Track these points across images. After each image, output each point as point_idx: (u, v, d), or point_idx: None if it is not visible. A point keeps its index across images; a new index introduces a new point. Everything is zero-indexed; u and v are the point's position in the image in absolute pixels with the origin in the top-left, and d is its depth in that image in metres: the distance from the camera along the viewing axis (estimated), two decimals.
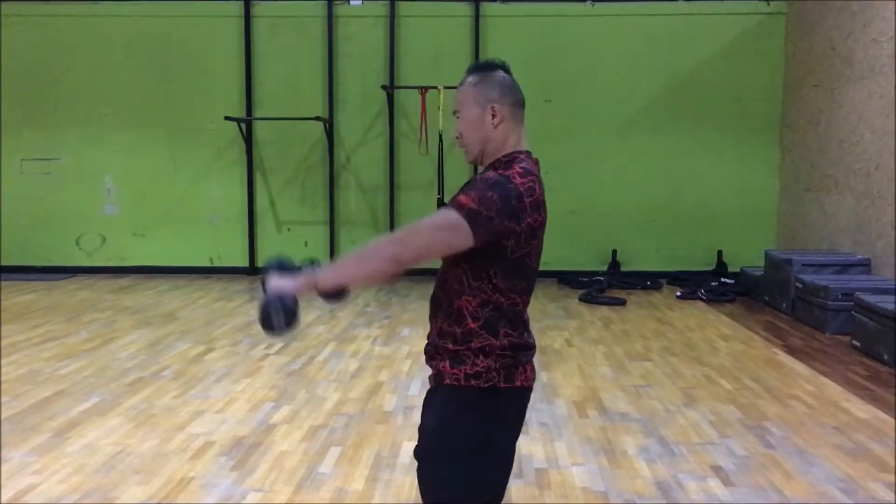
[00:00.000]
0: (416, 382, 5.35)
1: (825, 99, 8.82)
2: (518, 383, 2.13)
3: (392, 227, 10.16)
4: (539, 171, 2.19)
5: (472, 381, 2.09)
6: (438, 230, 2.03)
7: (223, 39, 10.16)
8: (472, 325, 2.09)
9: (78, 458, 4.08)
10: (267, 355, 6.24)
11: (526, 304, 2.19)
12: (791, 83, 9.76)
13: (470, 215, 1.99)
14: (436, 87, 9.41)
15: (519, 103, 2.21)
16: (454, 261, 2.11)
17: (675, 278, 9.72)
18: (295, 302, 2.06)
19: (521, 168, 2.12)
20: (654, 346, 6.64)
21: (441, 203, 9.20)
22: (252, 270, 10.30)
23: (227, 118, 9.82)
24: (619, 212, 10.12)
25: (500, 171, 2.10)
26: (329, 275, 2.07)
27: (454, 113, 2.23)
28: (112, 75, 10.22)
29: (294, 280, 2.06)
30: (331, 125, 10.08)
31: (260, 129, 10.26)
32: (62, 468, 3.94)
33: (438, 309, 2.18)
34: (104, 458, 4.08)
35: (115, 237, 10.43)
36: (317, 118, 9.86)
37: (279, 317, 2.06)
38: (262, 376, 5.65)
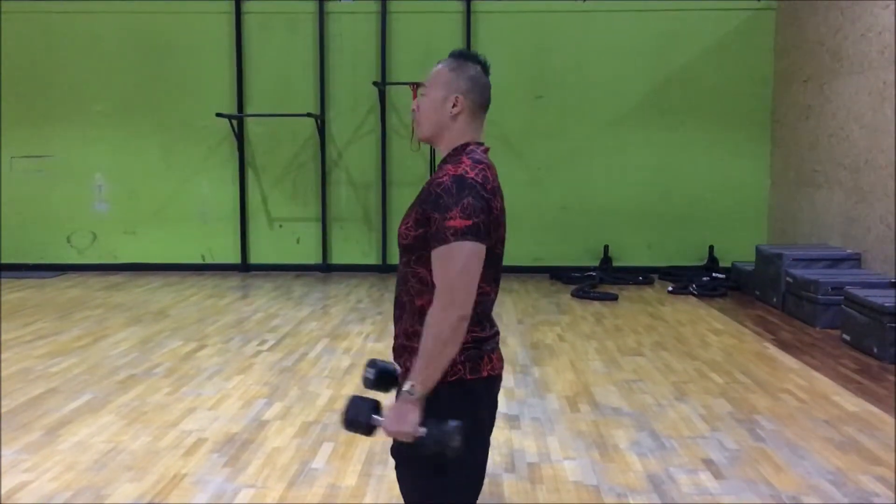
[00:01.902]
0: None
1: (815, 94, 8.85)
2: (485, 373, 2.14)
3: (384, 224, 10.16)
4: (489, 162, 2.19)
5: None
6: (468, 267, 2.01)
7: (214, 36, 10.14)
8: None
9: (70, 455, 4.08)
10: (259, 352, 6.24)
11: (495, 293, 2.20)
12: (781, 78, 9.79)
13: (474, 232, 2.00)
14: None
15: (483, 104, 2.22)
16: (416, 260, 2.11)
17: (667, 273, 9.75)
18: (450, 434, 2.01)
19: (469, 159, 2.11)
20: (645, 341, 6.66)
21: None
22: (244, 267, 10.29)
23: (218, 115, 9.80)
24: (610, 207, 10.14)
25: (451, 171, 2.07)
26: (428, 381, 2.02)
27: (421, 86, 2.23)
28: (103, 73, 10.18)
29: (406, 411, 2.02)
30: (322, 122, 10.07)
31: (251, 126, 10.25)
32: (54, 466, 3.94)
33: (402, 311, 2.19)
34: (96, 456, 4.08)
35: (106, 234, 10.39)
36: (308, 115, 9.85)
37: (450, 443, 2.00)
38: (254, 373, 5.65)
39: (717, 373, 5.69)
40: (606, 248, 10.11)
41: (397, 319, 2.22)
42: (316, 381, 5.43)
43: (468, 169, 2.08)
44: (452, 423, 2.00)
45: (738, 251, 9.69)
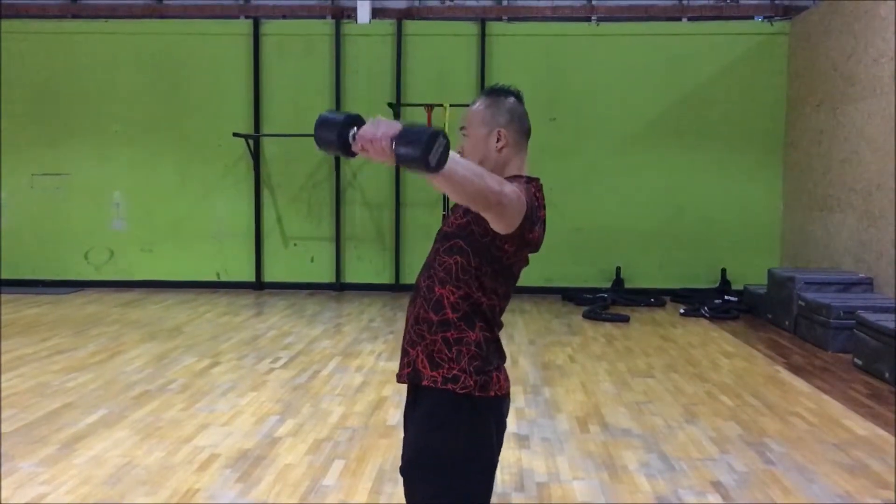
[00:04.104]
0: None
1: (827, 118, 8.89)
2: (492, 393, 2.18)
3: (398, 244, 10.24)
4: (542, 194, 2.27)
5: (450, 385, 2.14)
6: (518, 195, 2.01)
7: (232, 57, 10.29)
8: (451, 316, 2.15)
9: (85, 469, 4.14)
10: (272, 369, 6.30)
11: (503, 309, 2.26)
12: (793, 102, 9.83)
13: (527, 201, 2.07)
14: (441, 105, 9.51)
15: (525, 132, 2.30)
16: (447, 250, 2.18)
17: (679, 295, 9.76)
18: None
19: (528, 183, 2.21)
20: (656, 363, 6.68)
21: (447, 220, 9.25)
22: (258, 285, 10.37)
23: (235, 135, 9.93)
24: (623, 229, 10.19)
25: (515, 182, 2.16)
26: (450, 163, 1.82)
27: (461, 129, 2.31)
28: (122, 92, 10.35)
29: (395, 124, 1.80)
30: None
31: (267, 146, 10.37)
32: (70, 479, 4.00)
33: (418, 294, 2.24)
34: (111, 470, 4.14)
35: (122, 252, 10.52)
36: None
37: (420, 134, 1.76)
38: (267, 390, 5.71)
39: (727, 395, 5.71)
40: (619, 269, 10.14)
41: (411, 302, 2.28)
42: (328, 399, 5.47)
43: (530, 188, 2.18)
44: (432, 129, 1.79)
45: (750, 274, 9.69)
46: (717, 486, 4.03)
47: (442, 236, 2.23)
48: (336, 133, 1.84)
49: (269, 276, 10.46)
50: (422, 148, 1.75)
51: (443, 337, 2.15)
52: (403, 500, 3.76)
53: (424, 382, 2.16)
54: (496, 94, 2.30)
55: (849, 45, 8.42)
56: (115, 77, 10.34)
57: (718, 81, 10.06)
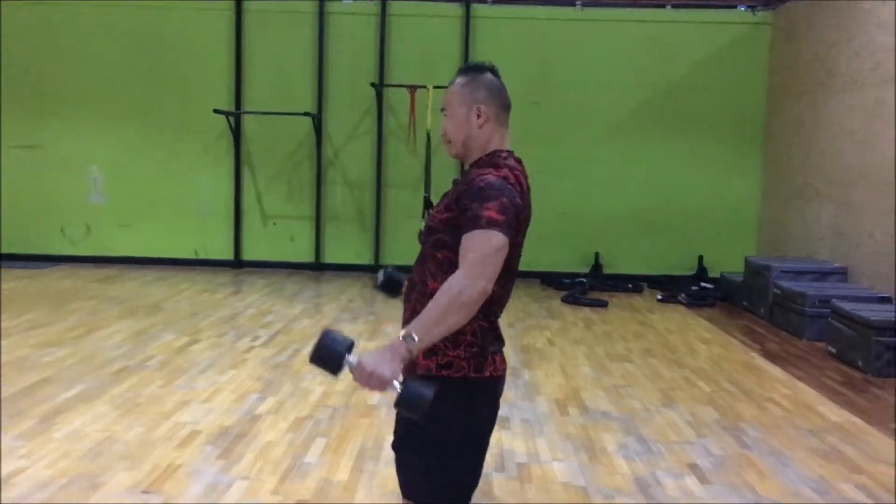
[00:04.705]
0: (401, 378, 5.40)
1: (808, 109, 8.96)
2: (487, 373, 2.20)
3: (378, 225, 10.22)
4: (524, 170, 2.28)
5: (444, 371, 2.16)
6: (498, 252, 2.07)
7: (214, 33, 10.18)
8: None
9: (64, 443, 4.12)
10: (252, 347, 6.28)
11: (502, 296, 2.25)
12: (775, 92, 9.91)
13: (504, 227, 2.08)
14: (425, 87, 9.48)
15: (504, 107, 2.31)
16: (434, 244, 2.19)
17: (657, 282, 9.84)
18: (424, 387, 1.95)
19: (506, 166, 2.21)
20: (634, 348, 6.74)
21: (428, 202, 9.26)
22: (237, 263, 10.32)
23: (216, 111, 9.84)
24: (602, 215, 10.23)
25: (495, 173, 2.16)
26: (430, 338, 1.98)
27: (442, 110, 2.32)
28: (102, 66, 10.20)
29: (391, 357, 1.95)
30: (319, 121, 10.12)
31: (248, 124, 10.29)
32: (49, 453, 3.98)
33: (413, 288, 2.26)
34: (91, 445, 4.12)
35: (100, 227, 10.41)
36: (306, 114, 9.90)
37: (421, 405, 1.92)
38: (247, 368, 5.70)
39: (704, 381, 5.78)
40: (597, 254, 10.20)
41: (406, 297, 2.29)
42: (308, 378, 5.47)
43: (510, 174, 2.18)
44: (429, 387, 1.94)
45: (726, 262, 9.79)
46: (693, 468, 4.09)
47: (428, 231, 2.24)
48: (336, 366, 1.99)
49: (247, 255, 10.41)
50: (424, 411, 1.93)
51: None
52: (385, 479, 3.81)
53: (419, 371, 2.17)
54: (472, 71, 2.31)
55: (831, 36, 8.49)
56: (95, 50, 10.19)
57: (701, 69, 10.10)
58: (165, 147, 10.30)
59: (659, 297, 9.10)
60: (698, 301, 8.87)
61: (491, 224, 2.06)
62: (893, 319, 6.12)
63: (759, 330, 7.67)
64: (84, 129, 10.28)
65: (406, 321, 2.26)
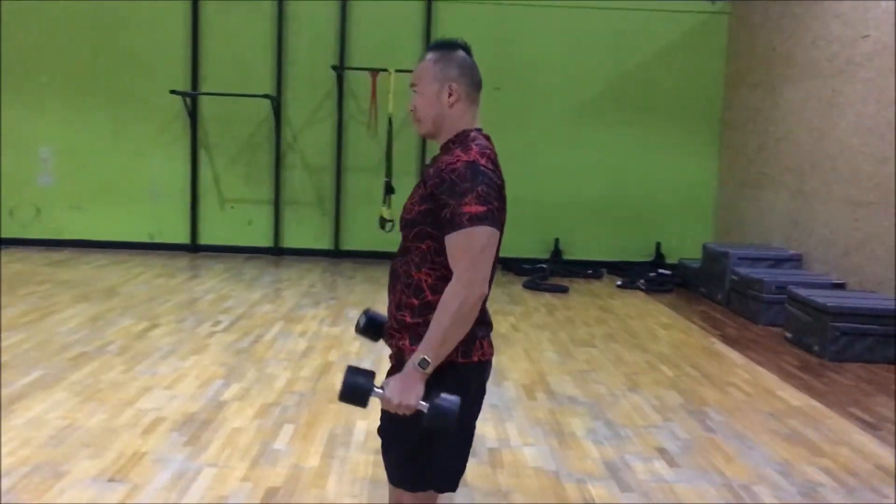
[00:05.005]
0: (366, 363, 5.36)
1: (764, 98, 9.10)
2: (475, 358, 2.18)
3: (338, 209, 10.13)
4: (493, 147, 2.25)
5: None
6: (486, 249, 2.07)
7: (170, 11, 9.93)
8: (431, 298, 2.14)
9: (24, 431, 4.01)
10: (213, 333, 6.18)
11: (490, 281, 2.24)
12: (732, 81, 10.04)
13: (489, 218, 2.06)
14: (386, 70, 9.40)
15: (476, 85, 2.27)
16: (416, 236, 2.16)
17: (616, 268, 9.93)
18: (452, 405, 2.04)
19: (476, 146, 2.17)
20: (597, 333, 6.80)
21: (389, 186, 9.21)
22: (193, 248, 10.15)
23: (172, 92, 9.64)
24: (561, 201, 10.28)
25: (463, 157, 2.11)
26: (442, 356, 2.06)
27: (412, 86, 2.27)
28: (52, 43, 9.90)
29: (412, 383, 2.05)
30: (279, 104, 9.98)
31: (206, 105, 10.09)
32: (9, 441, 3.87)
33: (397, 280, 2.22)
34: (52, 432, 4.01)
35: (50, 209, 10.14)
36: (265, 96, 9.76)
37: (451, 419, 2.02)
38: (209, 354, 5.61)
39: (666, 365, 5.85)
40: (557, 240, 10.25)
41: (391, 289, 2.26)
42: (273, 364, 5.41)
43: (478, 157, 2.14)
44: (453, 399, 2.03)
45: (683, 248, 9.91)
46: (662, 452, 4.13)
47: (407, 224, 2.19)
48: (364, 401, 2.11)
49: (204, 239, 10.24)
50: (453, 419, 2.03)
51: (425, 319, 2.13)
52: (356, 465, 3.78)
53: (407, 359, 2.14)
54: (444, 48, 2.26)
55: (788, 26, 8.62)
56: (45, 27, 9.88)
57: (660, 58, 10.18)
58: (119, 127, 10.07)
59: (618, 283, 9.19)
60: (657, 287, 8.97)
61: (473, 220, 2.03)
62: (848, 305, 6.26)
63: (717, 315, 7.79)
64: (33, 107, 9.98)
65: (391, 313, 2.24)
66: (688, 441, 4.31)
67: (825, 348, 6.21)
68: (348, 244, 10.19)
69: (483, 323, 2.20)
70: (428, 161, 2.29)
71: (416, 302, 2.16)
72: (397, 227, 2.34)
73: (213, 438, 4.05)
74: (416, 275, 2.16)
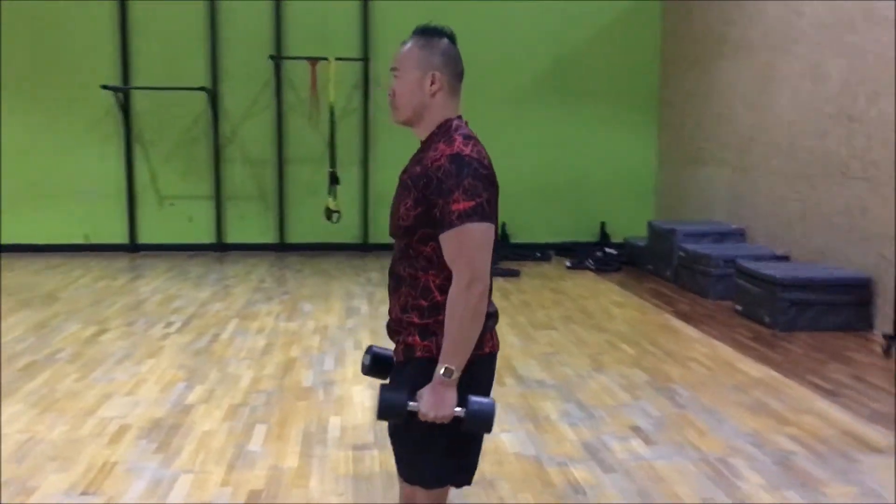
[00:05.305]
0: (329, 358, 5.27)
1: (701, 76, 9.25)
2: (487, 349, 2.17)
3: (281, 202, 9.94)
4: (484, 151, 2.21)
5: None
6: (482, 245, 2.05)
7: (96, 3, 9.57)
8: (440, 299, 2.10)
9: None
10: (168, 334, 6.02)
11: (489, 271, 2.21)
12: (669, 61, 10.17)
13: (479, 212, 2.02)
14: (326, 59, 9.25)
15: (458, 75, 2.23)
16: (420, 239, 2.11)
17: (563, 249, 10.00)
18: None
19: (459, 135, 2.13)
20: (554, 315, 6.84)
21: (333, 177, 9.09)
22: (132, 247, 9.85)
23: (103, 87, 9.31)
24: (505, 184, 9.92)
25: (447, 151, 2.07)
26: (463, 360, 2.05)
27: (392, 70, 2.20)
28: None
29: (444, 394, 2.04)
30: (215, 96, 9.73)
31: (139, 100, 9.78)
32: None
33: (401, 282, 2.17)
34: (13, 447, 3.85)
35: None
36: (201, 89, 9.51)
37: (490, 421, 2.08)
38: (166, 356, 5.45)
39: (627, 344, 5.92)
40: (504, 225, 10.27)
41: (393, 291, 2.21)
42: (234, 363, 5.29)
43: (462, 146, 2.09)
44: (487, 402, 2.04)
45: (627, 227, 10.04)
46: (636, 430, 4.18)
47: (406, 230, 2.12)
48: (401, 417, 2.10)
49: (143, 238, 9.95)
50: (491, 421, 2.09)
51: (435, 320, 2.10)
52: (336, 462, 3.72)
53: (418, 354, 2.11)
54: (429, 34, 2.21)
55: (723, 5, 8.76)
56: None
57: (597, 39, 10.25)
58: (46, 125, 9.67)
59: (568, 264, 9.26)
60: (605, 266, 9.07)
61: (462, 217, 2.00)
62: (796, 276, 6.43)
63: (667, 292, 7.92)
64: None
65: (394, 315, 2.20)
66: (660, 418, 4.37)
67: (776, 319, 6.37)
68: (294, 237, 10.03)
69: (490, 314, 2.17)
70: (408, 160, 2.23)
71: (424, 303, 2.12)
72: (388, 225, 2.25)
73: (184, 444, 3.93)
74: (424, 277, 2.12)
